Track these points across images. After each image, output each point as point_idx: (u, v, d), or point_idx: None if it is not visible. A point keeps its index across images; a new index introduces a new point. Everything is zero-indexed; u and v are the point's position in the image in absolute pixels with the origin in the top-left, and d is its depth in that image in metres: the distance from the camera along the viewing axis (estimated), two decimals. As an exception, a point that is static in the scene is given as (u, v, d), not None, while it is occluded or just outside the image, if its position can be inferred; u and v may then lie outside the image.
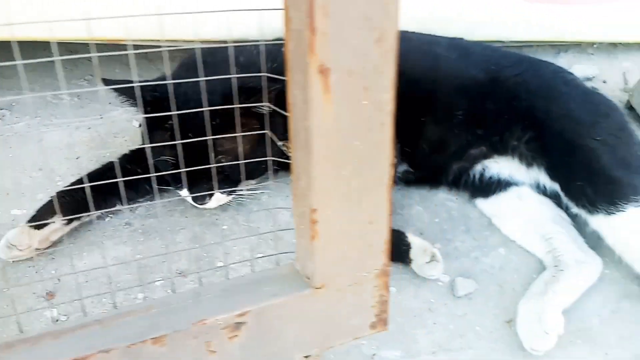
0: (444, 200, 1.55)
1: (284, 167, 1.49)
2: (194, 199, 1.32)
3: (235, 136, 1.25)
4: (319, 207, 0.64)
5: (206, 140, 1.13)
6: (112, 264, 1.28)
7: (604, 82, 2.11)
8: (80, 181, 1.37)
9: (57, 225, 1.29)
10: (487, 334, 1.23)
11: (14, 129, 1.66)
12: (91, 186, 1.14)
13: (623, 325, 1.27)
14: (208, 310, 0.65)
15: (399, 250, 1.32)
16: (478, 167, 1.49)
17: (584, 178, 1.33)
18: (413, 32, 1.64)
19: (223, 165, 1.31)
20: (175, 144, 1.22)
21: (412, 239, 1.33)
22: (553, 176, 1.39)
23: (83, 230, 1.37)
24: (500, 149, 1.47)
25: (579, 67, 2.11)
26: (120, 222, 1.40)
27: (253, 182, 1.46)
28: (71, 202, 1.31)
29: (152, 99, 1.26)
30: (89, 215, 1.35)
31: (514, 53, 1.65)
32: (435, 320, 1.26)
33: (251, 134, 1.32)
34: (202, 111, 1.02)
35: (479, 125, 1.46)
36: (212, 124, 1.17)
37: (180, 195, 1.38)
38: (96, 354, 0.60)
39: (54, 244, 1.32)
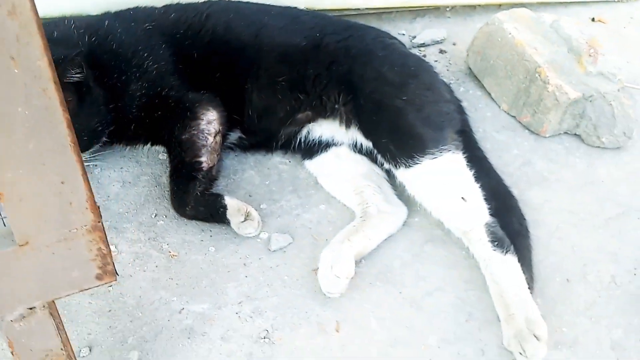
0: (277, 164, 1.64)
1: (118, 138, 1.53)
2: None
3: None
4: (-5, 170, 0.70)
5: None
6: None
7: (454, 44, 2.22)
8: None
9: None
10: (293, 282, 1.34)
11: None
12: None
13: (422, 266, 1.41)
14: None
15: (217, 213, 1.41)
16: (304, 131, 1.59)
17: (388, 135, 1.43)
18: (244, 2, 1.69)
19: None
20: None
21: (228, 201, 1.41)
22: (366, 135, 1.49)
23: None
24: (322, 112, 1.55)
25: (429, 32, 2.21)
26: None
27: (86, 155, 1.49)
28: None
29: None
30: None
31: (343, 21, 1.72)
32: (247, 273, 1.35)
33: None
34: None
35: (301, 91, 1.54)
36: None
37: None
38: None
39: None
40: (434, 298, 1.34)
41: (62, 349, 0.88)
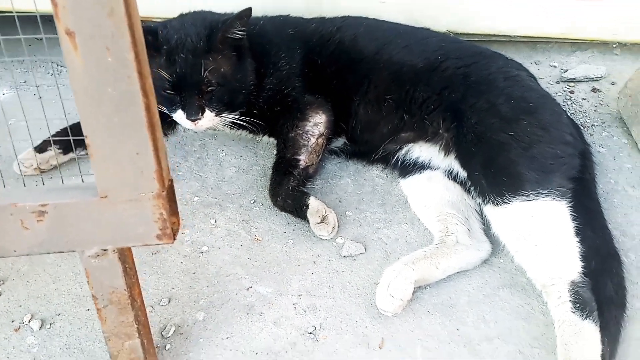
0: (374, 177, 1.68)
1: (243, 125, 1.66)
2: (188, 115, 1.48)
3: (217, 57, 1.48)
4: (88, 134, 0.89)
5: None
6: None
7: (612, 84, 2.01)
8: (78, 124, 1.74)
9: (52, 153, 1.67)
10: (353, 290, 1.38)
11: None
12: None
13: (490, 310, 1.33)
14: (21, 198, 0.95)
15: (301, 209, 1.51)
16: (404, 150, 1.60)
17: (482, 168, 1.38)
18: (380, 20, 1.76)
19: (210, 84, 1.47)
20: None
21: (312, 201, 1.50)
22: (462, 164, 1.46)
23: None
24: (423, 135, 1.55)
25: (585, 67, 2.04)
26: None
27: (231, 115, 1.59)
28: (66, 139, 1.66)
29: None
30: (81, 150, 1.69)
31: (473, 47, 1.67)
32: (314, 271, 1.43)
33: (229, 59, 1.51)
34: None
35: (406, 112, 1.56)
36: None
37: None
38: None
39: (55, 167, 1.71)
40: (492, 345, 1.26)
41: (125, 290, 1.06)
